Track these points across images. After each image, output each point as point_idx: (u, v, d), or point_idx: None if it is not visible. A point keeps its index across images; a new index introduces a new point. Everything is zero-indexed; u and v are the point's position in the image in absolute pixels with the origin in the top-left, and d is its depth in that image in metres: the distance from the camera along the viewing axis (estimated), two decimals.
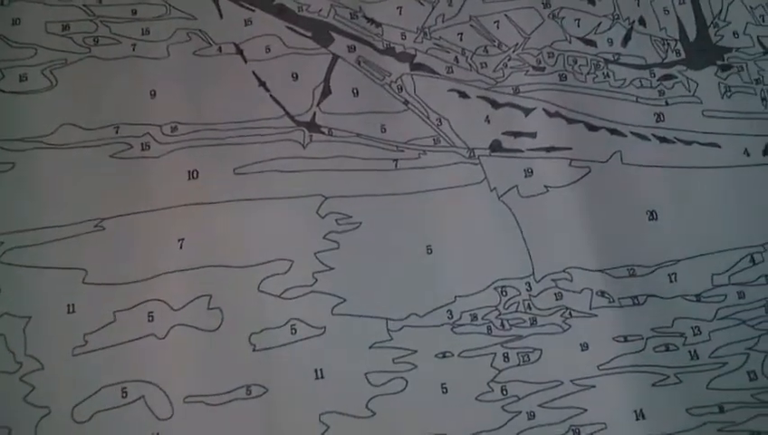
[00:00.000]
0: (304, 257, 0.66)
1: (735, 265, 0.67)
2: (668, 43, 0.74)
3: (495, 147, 0.71)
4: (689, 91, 0.72)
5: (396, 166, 0.70)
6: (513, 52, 0.74)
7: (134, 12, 0.72)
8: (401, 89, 0.73)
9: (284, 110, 0.71)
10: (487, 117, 0.72)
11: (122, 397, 0.60)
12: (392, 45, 0.74)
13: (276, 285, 0.65)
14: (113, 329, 0.61)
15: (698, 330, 0.65)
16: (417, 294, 0.66)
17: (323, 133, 0.70)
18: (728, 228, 0.68)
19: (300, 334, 0.64)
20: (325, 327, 0.65)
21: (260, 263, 0.66)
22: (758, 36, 0.73)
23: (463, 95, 0.73)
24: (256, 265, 0.65)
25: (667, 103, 0.72)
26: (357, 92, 0.72)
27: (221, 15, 0.73)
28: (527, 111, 0.72)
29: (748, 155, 0.70)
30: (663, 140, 0.71)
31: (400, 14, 0.76)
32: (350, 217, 0.68)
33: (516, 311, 0.66)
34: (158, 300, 0.63)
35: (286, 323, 0.64)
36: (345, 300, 0.65)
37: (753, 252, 0.67)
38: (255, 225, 0.67)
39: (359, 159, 0.70)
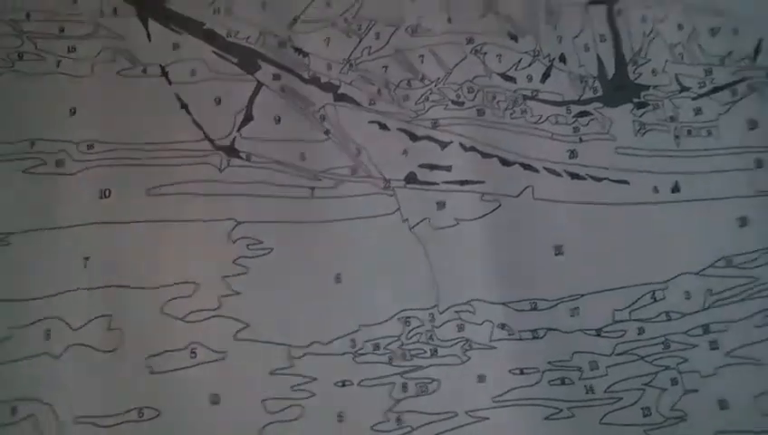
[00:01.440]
0: (211, 281, 0.67)
1: (637, 302, 0.68)
2: (586, 81, 0.75)
3: (411, 179, 0.72)
4: (604, 129, 0.73)
5: (312, 194, 0.71)
6: (435, 86, 0.75)
7: (62, 29, 0.73)
8: (324, 118, 0.74)
9: (204, 133, 0.72)
10: (405, 150, 0.73)
11: (11, 415, 0.60)
12: (318, 75, 0.76)
13: (180, 307, 0.66)
14: (8, 346, 0.62)
15: (596, 364, 0.66)
16: (322, 322, 0.67)
17: (242, 158, 0.72)
18: (633, 265, 0.69)
19: (199, 358, 0.65)
20: (226, 352, 0.65)
21: (166, 285, 0.66)
22: (676, 74, 0.74)
23: (383, 127, 0.74)
24: (162, 287, 0.66)
25: (581, 140, 0.73)
26: (279, 120, 0.73)
27: (149, 38, 0.74)
28: (444, 145, 0.73)
29: (657, 192, 0.71)
30: (575, 176, 0.72)
31: (328, 45, 0.77)
32: (262, 242, 0.69)
33: (418, 341, 0.67)
34: (57, 318, 0.63)
35: (186, 346, 0.65)
36: (249, 325, 0.66)
37: (656, 289, 0.68)
38: (164, 247, 0.68)
39: (275, 185, 0.71)
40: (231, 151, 0.73)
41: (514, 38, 0.78)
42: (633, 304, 0.68)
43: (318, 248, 0.70)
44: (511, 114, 0.75)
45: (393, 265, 0.70)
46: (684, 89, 0.74)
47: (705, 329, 0.67)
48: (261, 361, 0.66)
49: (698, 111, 0.73)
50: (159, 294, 0.66)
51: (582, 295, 0.69)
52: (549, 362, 0.67)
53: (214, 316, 0.66)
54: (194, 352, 0.65)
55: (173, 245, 0.68)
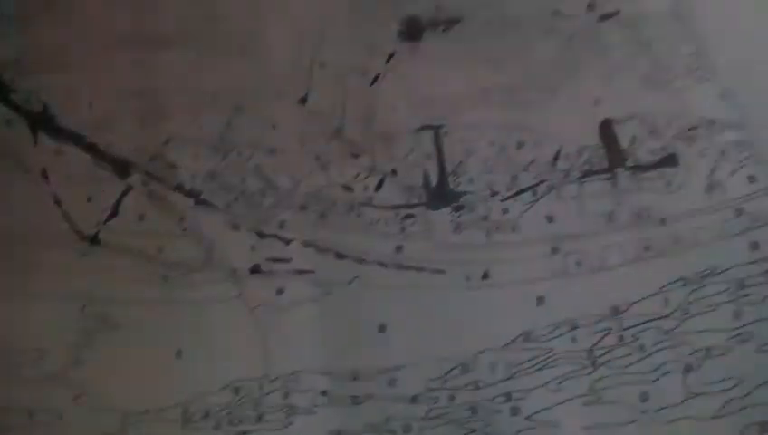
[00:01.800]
0: (59, 351, 0.74)
1: (450, 372, 0.75)
2: (413, 189, 0.88)
3: (255, 269, 0.81)
4: (426, 228, 0.85)
5: (165, 280, 0.80)
6: (285, 194, 0.87)
7: None
8: (183, 218, 0.84)
9: (72, 224, 0.81)
10: (253, 245, 0.83)
11: None
12: (183, 183, 0.87)
13: (29, 371, 0.72)
14: None
15: (410, 427, 0.73)
16: (158, 391, 0.74)
17: (102, 247, 0.80)
18: (447, 341, 0.77)
19: (36, 419, 0.70)
20: (62, 415, 0.71)
21: (16, 350, 0.73)
22: (488, 182, 0.87)
23: (235, 227, 0.84)
24: (10, 353, 0.73)
25: (406, 238, 0.84)
26: (142, 217, 0.83)
27: (35, 143, 0.86)
28: (287, 241, 0.83)
29: (469, 279, 0.81)
30: (400, 266, 0.82)
31: (196, 159, 0.89)
32: (112, 319, 0.76)
33: (246, 409, 0.73)
34: None
35: (24, 408, 0.70)
36: (87, 393, 0.72)
37: (466, 361, 0.76)
38: (17, 318, 0.75)
39: (131, 271, 0.80)
40: (94, 241, 0.82)
41: (356, 156, 0.91)
42: (446, 375, 0.76)
43: (164, 327, 0.78)
44: (348, 217, 0.86)
45: (232, 341, 0.78)
46: (494, 193, 0.86)
47: (508, 397, 0.75)
48: (95, 425, 0.71)
49: (506, 211, 0.85)
50: (7, 358, 0.72)
51: (401, 367, 0.76)
52: (365, 425, 0.73)
53: (56, 381, 0.72)
54: (31, 414, 0.70)
55: (26, 316, 0.75)
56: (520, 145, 0.87)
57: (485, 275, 0.81)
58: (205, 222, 0.85)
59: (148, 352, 0.76)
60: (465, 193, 0.86)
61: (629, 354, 0.74)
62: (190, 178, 0.88)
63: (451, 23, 0.94)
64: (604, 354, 0.75)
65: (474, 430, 0.73)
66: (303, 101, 0.94)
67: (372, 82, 0.95)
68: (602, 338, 0.76)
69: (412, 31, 0.98)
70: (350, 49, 0.97)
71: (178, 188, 0.87)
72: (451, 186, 0.87)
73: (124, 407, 0.73)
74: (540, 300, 0.78)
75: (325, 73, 0.97)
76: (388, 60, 0.96)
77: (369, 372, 0.76)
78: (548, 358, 0.76)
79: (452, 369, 0.76)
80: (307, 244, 0.84)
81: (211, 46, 0.94)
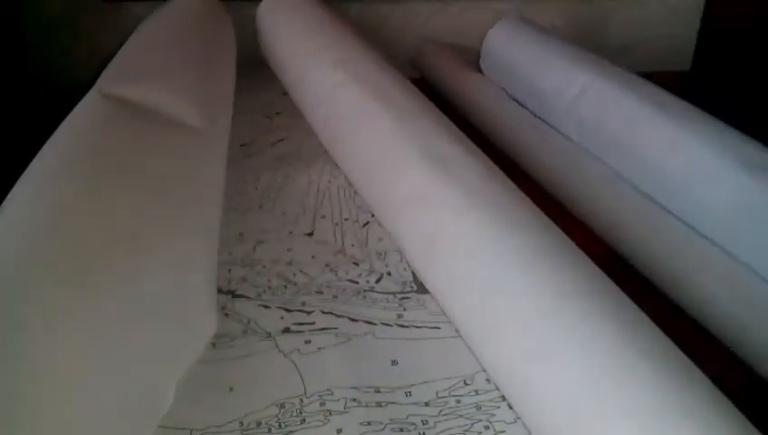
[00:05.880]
0: None
1: (455, 385, 0.94)
2: (406, 283, 1.13)
3: (286, 330, 1.02)
4: (420, 303, 1.09)
5: (213, 347, 0.99)
6: (303, 286, 1.11)
7: None
8: (225, 307, 1.06)
9: None
10: (282, 316, 1.05)
11: None
12: (221, 287, 1.10)
13: None
14: None
15: (426, 421, 0.89)
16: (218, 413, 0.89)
17: None
18: (447, 368, 0.97)
19: None
20: None
21: None
22: None
23: (266, 307, 1.06)
24: None
25: (405, 310, 1.07)
26: None
27: None
28: (309, 312, 1.06)
29: (458, 332, 1.03)
30: (402, 326, 1.04)
31: (229, 272, 1.13)
32: None
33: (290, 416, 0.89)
34: None
35: None
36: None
37: (466, 377, 0.95)
38: None
39: None
40: None
41: (357, 264, 1.18)
42: (451, 387, 0.95)
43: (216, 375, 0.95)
44: (356, 298, 1.10)
45: (273, 376, 0.96)
46: None
47: (503, 398, 0.93)
48: None
49: None
50: None
51: (414, 385, 0.95)
52: (391, 419, 0.89)
53: None
54: None
55: None
56: None
57: None
58: (241, 308, 1.07)
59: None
60: None
61: None
62: (227, 283, 1.12)
63: None
64: None
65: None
66: (310, 234, 1.23)
67: (363, 226, 1.26)
68: None
69: None
70: (345, 209, 1.29)
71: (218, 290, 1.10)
72: None
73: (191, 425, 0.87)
74: None
75: (325, 221, 1.28)
76: (372, 215, 1.28)
77: (388, 388, 0.93)
78: None
79: (456, 383, 0.95)
80: (325, 312, 1.06)
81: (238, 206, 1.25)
